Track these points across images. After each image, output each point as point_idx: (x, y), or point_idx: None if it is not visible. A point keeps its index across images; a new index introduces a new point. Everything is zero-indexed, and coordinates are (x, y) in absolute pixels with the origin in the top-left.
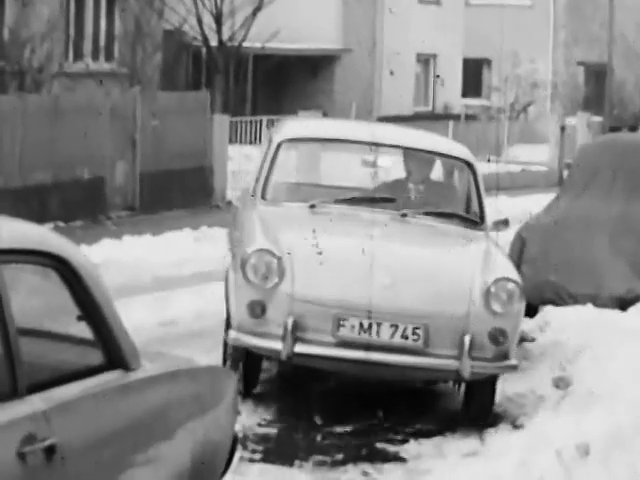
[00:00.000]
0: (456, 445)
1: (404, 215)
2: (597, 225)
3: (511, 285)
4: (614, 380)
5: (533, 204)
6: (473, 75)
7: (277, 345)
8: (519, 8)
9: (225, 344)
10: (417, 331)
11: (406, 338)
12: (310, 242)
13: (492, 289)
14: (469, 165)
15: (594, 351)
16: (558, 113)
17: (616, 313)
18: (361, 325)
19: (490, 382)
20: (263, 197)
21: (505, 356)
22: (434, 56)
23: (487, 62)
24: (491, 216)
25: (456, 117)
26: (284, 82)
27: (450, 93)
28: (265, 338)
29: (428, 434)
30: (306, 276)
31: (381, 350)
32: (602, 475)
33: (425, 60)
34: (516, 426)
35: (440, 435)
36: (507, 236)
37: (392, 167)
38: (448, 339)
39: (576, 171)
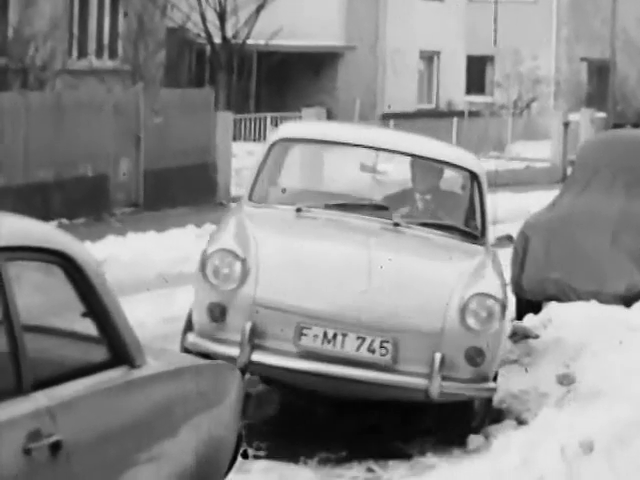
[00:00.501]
0: (460, 441)
1: (396, 224)
2: (600, 222)
3: (490, 302)
4: (618, 377)
5: (536, 201)
6: (476, 72)
7: (234, 352)
8: (521, 4)
9: (184, 349)
10: (385, 345)
11: (373, 352)
12: (282, 246)
13: (469, 305)
14: (474, 176)
15: (598, 348)
16: (561, 109)
17: (620, 309)
18: (325, 335)
19: (465, 402)
20: (250, 198)
21: (484, 378)
22: (437, 53)
23: (490, 59)
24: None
25: (460, 114)
26: (287, 79)
27: (453, 90)
28: (223, 344)
29: (432, 431)
30: (270, 280)
31: (345, 364)
32: (606, 472)
33: (428, 57)
34: (520, 422)
35: (444, 432)
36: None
37: (392, 173)
38: (419, 356)
39: (579, 168)
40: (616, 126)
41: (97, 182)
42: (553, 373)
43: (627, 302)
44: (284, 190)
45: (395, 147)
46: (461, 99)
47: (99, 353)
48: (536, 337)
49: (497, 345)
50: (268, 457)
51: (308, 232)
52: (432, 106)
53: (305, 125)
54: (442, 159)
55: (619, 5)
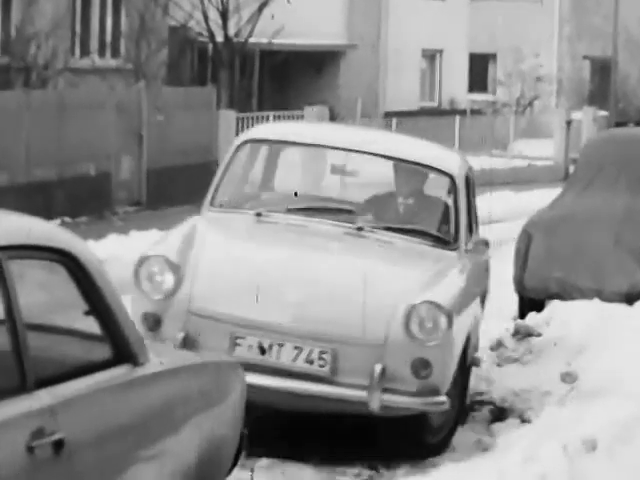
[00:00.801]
0: (464, 439)
1: (360, 229)
2: (603, 220)
3: (435, 310)
4: (621, 374)
5: (538, 199)
6: (479, 70)
7: None
8: (524, 2)
9: None
10: (324, 356)
11: (311, 363)
12: (225, 253)
13: (413, 314)
14: (451, 179)
15: (601, 346)
16: (563, 108)
17: (622, 307)
18: (260, 345)
19: (417, 415)
20: (212, 203)
21: (432, 391)
22: (439, 51)
23: (492, 57)
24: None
25: (462, 112)
26: (290, 78)
27: (456, 88)
28: None
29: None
30: (205, 288)
31: (281, 375)
32: (609, 470)
33: (431, 55)
34: (523, 421)
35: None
36: (511, 232)
37: (369, 175)
38: (360, 367)
39: (582, 166)
40: (618, 124)
41: (99, 180)
42: (556, 371)
43: (630, 300)
44: (251, 193)
45: (367, 148)
46: (463, 97)
47: (102, 351)
48: (538, 335)
49: (447, 357)
50: (271, 455)
51: (259, 238)
52: (434, 104)
53: (273, 126)
54: (416, 161)
55: (621, 3)
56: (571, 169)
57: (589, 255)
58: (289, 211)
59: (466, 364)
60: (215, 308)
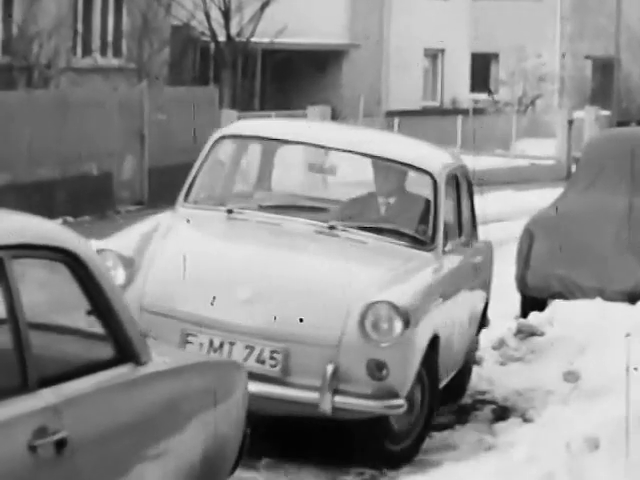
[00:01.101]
0: (466, 438)
1: (332, 227)
2: (605, 219)
3: (391, 310)
4: (623, 373)
5: (540, 198)
6: (481, 69)
7: None
8: (526, 2)
9: None
10: (275, 355)
11: (262, 363)
12: (183, 249)
13: (368, 314)
14: (432, 178)
15: (603, 345)
16: (566, 107)
17: (625, 306)
18: (211, 343)
19: (377, 420)
20: (185, 199)
21: (389, 394)
22: (442, 51)
23: (495, 56)
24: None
25: (464, 112)
26: (292, 77)
27: (458, 87)
28: None
29: (438, 427)
30: (159, 284)
31: None
32: (611, 468)
33: (433, 55)
34: (525, 420)
35: (450, 428)
36: (513, 232)
37: (350, 173)
38: (313, 368)
39: (584, 165)
40: (620, 124)
41: (102, 180)
42: (558, 370)
43: (632, 299)
44: (225, 190)
45: (345, 146)
46: (465, 97)
47: (104, 350)
48: (541, 334)
49: (404, 359)
50: (273, 454)
51: (224, 235)
52: (436, 104)
53: (251, 122)
54: (394, 159)
55: (624, 2)
56: (573, 168)
57: (591, 254)
58: (261, 208)
59: (436, 368)
60: (166, 304)
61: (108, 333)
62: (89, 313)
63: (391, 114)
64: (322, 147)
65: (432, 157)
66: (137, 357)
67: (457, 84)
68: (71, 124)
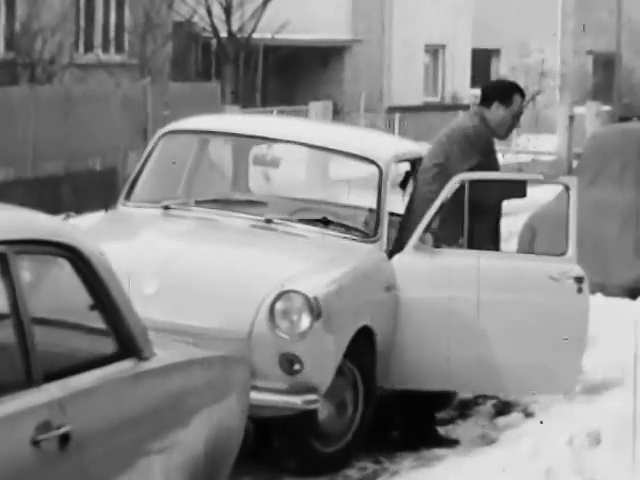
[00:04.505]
0: (468, 432)
1: (268, 221)
2: (607, 214)
3: (299, 299)
4: (624, 368)
5: (541, 194)
6: (482, 65)
7: None
8: None
9: None
10: None
11: None
12: (104, 246)
13: (277, 304)
14: (378, 168)
15: (604, 339)
16: (567, 102)
17: (626, 302)
18: None
19: (301, 418)
20: (127, 197)
21: (306, 389)
22: (443, 46)
23: (496, 52)
24: None
25: (465, 107)
26: (294, 72)
27: (459, 83)
28: None
29: (439, 422)
30: None
31: None
32: (613, 463)
33: (434, 50)
34: (527, 414)
35: (452, 423)
36: (514, 227)
37: (291, 166)
38: None
39: (587, 160)
40: (622, 119)
41: (106, 175)
42: None
43: (633, 294)
44: (166, 187)
45: (291, 137)
46: (466, 92)
47: (107, 345)
48: None
49: (320, 352)
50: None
51: (150, 232)
52: (437, 99)
53: (197, 118)
54: (340, 149)
55: None
56: (574, 164)
57: (593, 249)
58: (199, 204)
59: (372, 365)
60: None
61: (111, 328)
62: (92, 308)
63: (392, 109)
64: (267, 140)
65: (381, 147)
66: (140, 352)
67: (458, 80)
68: (75, 120)
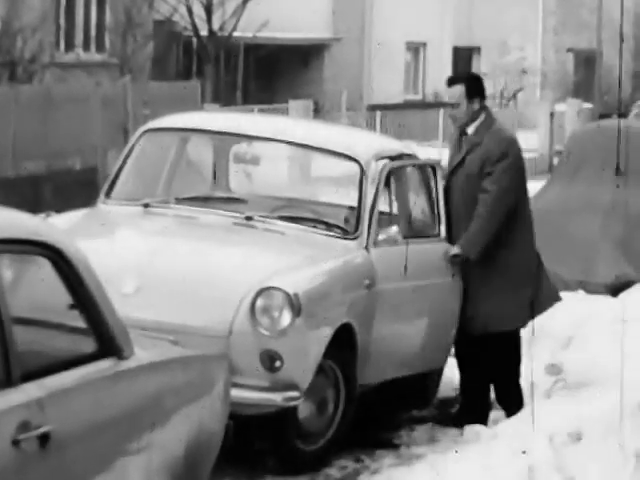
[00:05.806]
0: (449, 431)
1: (249, 218)
2: (589, 211)
3: (280, 297)
4: (605, 366)
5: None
6: (463, 63)
7: None
8: None
9: None
10: None
11: None
12: (82, 245)
13: (258, 301)
14: (359, 166)
15: (585, 337)
16: (548, 100)
17: (606, 299)
18: None
19: (283, 416)
20: (107, 195)
21: (287, 386)
22: (423, 44)
23: (477, 50)
24: None
25: (446, 105)
26: (275, 71)
27: (440, 81)
28: None
29: (421, 420)
30: None
31: None
32: (594, 460)
33: (415, 48)
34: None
35: (433, 421)
36: None
37: (272, 164)
38: None
39: (567, 158)
40: (602, 116)
41: (86, 174)
42: (540, 363)
43: (614, 292)
44: (147, 185)
45: (272, 135)
46: (447, 90)
47: (87, 345)
48: (523, 327)
49: (300, 349)
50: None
51: (129, 230)
52: (419, 97)
53: (177, 116)
54: (321, 146)
55: None
56: (555, 161)
57: (574, 247)
58: (179, 202)
59: (353, 362)
60: None
61: (91, 327)
62: (71, 307)
63: (373, 108)
64: (248, 137)
65: (361, 144)
66: (120, 351)
67: (439, 78)
68: (55, 119)
